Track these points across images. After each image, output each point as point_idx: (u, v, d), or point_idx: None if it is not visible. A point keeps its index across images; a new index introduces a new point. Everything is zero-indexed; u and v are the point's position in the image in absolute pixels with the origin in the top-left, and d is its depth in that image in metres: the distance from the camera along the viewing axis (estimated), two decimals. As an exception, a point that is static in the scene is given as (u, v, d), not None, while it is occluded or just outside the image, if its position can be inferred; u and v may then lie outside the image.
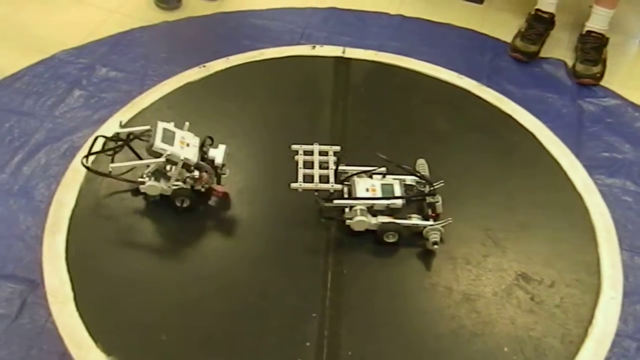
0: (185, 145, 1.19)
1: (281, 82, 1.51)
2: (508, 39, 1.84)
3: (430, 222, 1.15)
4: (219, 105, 1.44)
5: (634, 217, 1.47)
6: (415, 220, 1.15)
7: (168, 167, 1.21)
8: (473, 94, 1.49)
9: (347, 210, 1.16)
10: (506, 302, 1.10)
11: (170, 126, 1.21)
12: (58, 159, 1.63)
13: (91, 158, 1.26)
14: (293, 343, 1.04)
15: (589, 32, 1.75)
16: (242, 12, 1.94)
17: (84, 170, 1.27)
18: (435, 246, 1.13)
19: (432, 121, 1.43)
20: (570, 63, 1.81)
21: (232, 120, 1.41)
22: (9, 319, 1.34)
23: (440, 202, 1.17)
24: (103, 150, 1.26)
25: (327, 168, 1.19)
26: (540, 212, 1.24)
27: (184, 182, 1.21)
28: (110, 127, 1.37)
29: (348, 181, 1.18)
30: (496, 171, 1.32)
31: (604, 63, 1.78)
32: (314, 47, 1.60)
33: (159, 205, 1.23)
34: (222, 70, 1.50)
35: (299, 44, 1.74)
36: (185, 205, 1.22)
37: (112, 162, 1.22)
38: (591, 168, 1.54)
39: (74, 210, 1.21)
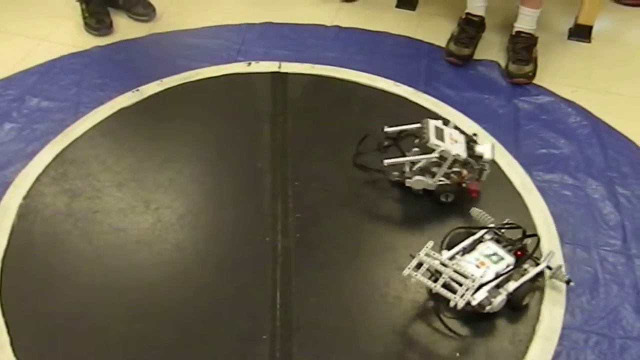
0: (454, 142, 1.25)
1: (218, 102, 1.49)
2: (442, 43, 1.87)
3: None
4: (154, 129, 1.41)
5: (573, 210, 1.50)
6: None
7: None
8: (410, 101, 1.51)
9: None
10: (456, 306, 1.10)
11: (440, 123, 1.28)
12: (-10, 196, 1.57)
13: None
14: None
15: (518, 32, 1.80)
16: (176, 32, 1.90)
17: (15, 208, 1.23)
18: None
19: (372, 131, 1.43)
20: (503, 64, 1.84)
21: (169, 143, 1.38)
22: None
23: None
24: (378, 148, 1.33)
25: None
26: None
27: (448, 177, 1.26)
28: (43, 160, 1.33)
29: None
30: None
31: (535, 62, 1.83)
32: (249, 63, 1.59)
33: (100, 232, 1.19)
34: (156, 94, 1.47)
35: (236, 61, 1.73)
36: (449, 200, 1.28)
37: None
38: (529, 165, 1.58)
39: (6, 251, 1.16)
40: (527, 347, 1.04)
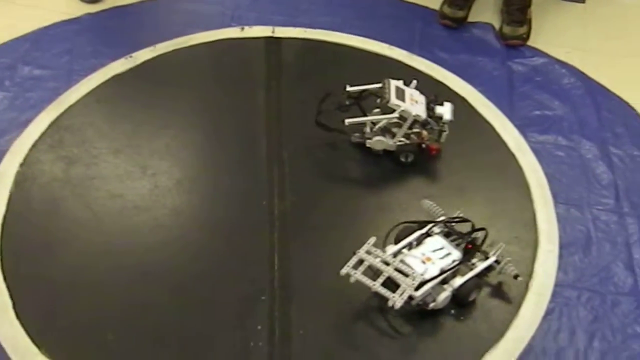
0: (414, 102, 1.23)
1: (212, 67, 1.49)
2: (437, 6, 1.86)
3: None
4: (149, 95, 1.41)
5: (567, 170, 1.51)
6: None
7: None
8: (404, 64, 1.51)
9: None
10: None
11: (400, 84, 1.25)
12: (-14, 165, 1.57)
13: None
14: (245, 328, 1.04)
15: (512, -6, 1.79)
16: (169, -2, 1.89)
17: (12, 175, 1.23)
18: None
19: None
20: (497, 26, 1.84)
21: (164, 109, 1.38)
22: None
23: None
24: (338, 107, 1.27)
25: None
26: (477, 175, 1.27)
27: (408, 138, 1.25)
28: (38, 127, 1.33)
29: None
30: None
31: (529, 23, 1.82)
32: (242, 28, 1.58)
33: (97, 197, 1.20)
34: (149, 60, 1.46)
35: (229, 26, 1.71)
36: (409, 160, 1.27)
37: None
38: (524, 127, 1.58)
39: (4, 217, 1.17)
40: (520, 303, 1.07)
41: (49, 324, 1.04)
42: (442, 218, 1.14)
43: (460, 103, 1.41)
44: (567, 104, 1.68)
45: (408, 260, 1.06)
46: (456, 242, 1.11)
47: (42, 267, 1.11)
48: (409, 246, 1.10)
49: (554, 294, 1.28)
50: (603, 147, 1.56)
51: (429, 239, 1.10)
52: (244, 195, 1.24)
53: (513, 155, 1.30)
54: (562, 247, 1.35)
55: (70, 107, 1.37)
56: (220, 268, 1.13)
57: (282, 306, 1.07)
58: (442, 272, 1.04)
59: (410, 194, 1.24)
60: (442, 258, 1.07)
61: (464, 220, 1.13)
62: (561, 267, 1.33)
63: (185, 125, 1.35)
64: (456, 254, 1.08)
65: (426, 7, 1.88)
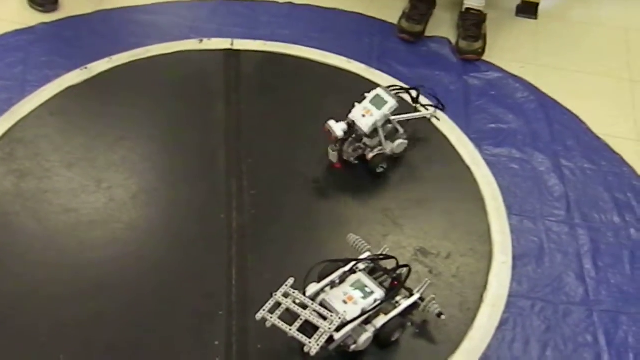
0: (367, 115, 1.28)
1: (170, 79, 1.47)
2: (395, 20, 1.88)
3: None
4: (104, 107, 1.39)
5: (521, 183, 1.55)
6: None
7: None
8: (363, 77, 1.52)
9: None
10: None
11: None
12: None
13: None
14: (202, 344, 1.03)
15: (468, 9, 1.83)
16: (126, 8, 1.86)
17: (-39, 188, 1.19)
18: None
19: (325, 107, 1.44)
20: (453, 40, 1.87)
21: (121, 122, 1.36)
22: None
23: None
24: None
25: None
26: (434, 188, 1.29)
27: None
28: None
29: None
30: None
31: (484, 38, 1.86)
32: (201, 40, 1.57)
33: (50, 212, 1.17)
34: (105, 71, 1.44)
35: (188, 38, 1.70)
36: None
37: None
38: (479, 140, 1.61)
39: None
40: (475, 315, 1.08)
41: (-2, 342, 1.01)
42: (367, 254, 1.10)
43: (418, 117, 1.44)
44: (521, 118, 1.72)
45: (329, 299, 1.01)
46: (380, 280, 1.07)
47: (-8, 284, 1.08)
48: (331, 284, 1.05)
49: (509, 305, 1.31)
50: (555, 160, 1.60)
51: (352, 277, 1.06)
52: (202, 208, 1.23)
53: (468, 168, 1.33)
54: (516, 258, 1.37)
55: (23, 119, 1.34)
56: (177, 282, 1.11)
57: (240, 321, 1.06)
58: (364, 312, 0.99)
59: (369, 208, 1.25)
60: (364, 297, 1.01)
61: (386, 257, 1.09)
62: (515, 278, 1.35)
63: (142, 137, 1.34)
64: (378, 293, 1.02)
65: (384, 21, 1.90)
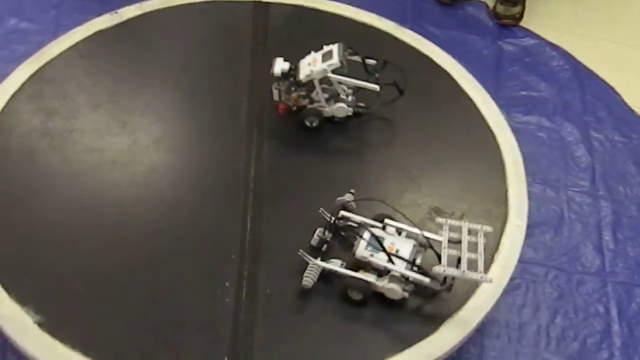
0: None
1: (198, 28, 1.48)
2: (432, -18, 1.85)
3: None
4: (133, 52, 1.40)
5: (547, 152, 1.53)
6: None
7: None
8: (391, 36, 1.50)
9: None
10: (419, 235, 1.13)
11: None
12: (-32, 115, 1.57)
13: None
14: (212, 284, 1.06)
15: (507, -27, 1.78)
16: (161, -43, 1.87)
17: (-10, 123, 1.24)
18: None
19: (351, 63, 1.43)
20: (491, 5, 1.83)
21: (147, 68, 1.38)
22: None
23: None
24: None
25: (475, 251, 1.00)
26: (454, 149, 1.28)
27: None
28: (18, 78, 1.32)
29: None
30: (412, 110, 1.34)
31: (523, 4, 1.82)
32: (232, -9, 1.56)
33: (75, 151, 1.21)
34: (135, 17, 1.45)
35: (220, -12, 1.70)
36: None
37: None
38: (508, 107, 1.59)
39: (-22, 163, 1.17)
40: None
41: (19, 272, 1.05)
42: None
43: (443, 77, 1.42)
44: (554, 86, 1.69)
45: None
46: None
47: (16, 217, 1.12)
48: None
49: (522, 271, 1.30)
50: (584, 131, 1.57)
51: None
52: (221, 156, 1.24)
53: (491, 132, 1.30)
54: (534, 225, 1.37)
55: (53, 59, 1.36)
56: (193, 225, 1.14)
57: (251, 265, 1.08)
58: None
59: (387, 164, 1.25)
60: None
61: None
62: (531, 245, 1.35)
63: (167, 84, 1.35)
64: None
65: (421, -18, 1.87)
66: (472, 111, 1.35)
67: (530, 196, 1.27)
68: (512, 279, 1.10)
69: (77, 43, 1.38)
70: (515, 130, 1.43)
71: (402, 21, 1.70)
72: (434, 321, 1.02)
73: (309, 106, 1.26)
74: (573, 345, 1.21)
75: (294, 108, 1.27)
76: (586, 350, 1.20)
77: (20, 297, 1.01)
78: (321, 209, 1.09)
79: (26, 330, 0.98)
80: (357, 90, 1.27)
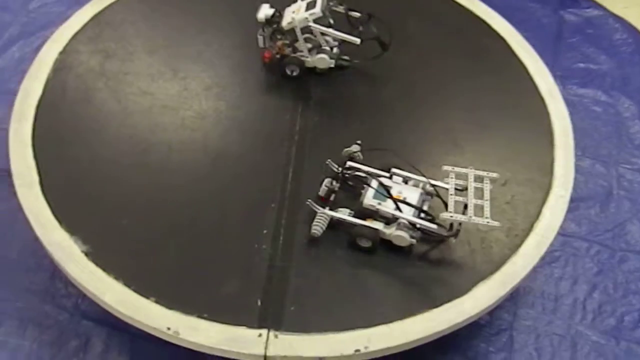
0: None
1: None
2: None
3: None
4: (190, 1, 1.43)
5: (600, 126, 1.48)
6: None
7: None
8: (454, 1, 1.47)
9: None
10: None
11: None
12: (31, 54, 1.63)
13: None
14: (251, 230, 1.08)
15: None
16: None
17: (51, 62, 1.28)
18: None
19: (404, 23, 1.41)
20: (555, -27, 1.77)
21: (204, 16, 1.40)
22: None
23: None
24: None
25: (482, 197, 1.02)
26: (502, 115, 1.26)
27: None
28: (80, 19, 1.37)
29: None
30: (463, 73, 1.32)
31: (590, -27, 1.75)
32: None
33: (129, 93, 1.25)
34: (194, -34, 1.47)
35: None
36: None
37: None
38: (565, 78, 1.55)
39: (40, 100, 1.22)
40: (522, 241, 1.07)
41: (70, 203, 1.10)
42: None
43: (497, 42, 1.39)
44: (614, 60, 1.63)
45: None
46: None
47: (70, 151, 1.17)
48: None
49: (563, 244, 1.28)
50: (642, 107, 1.52)
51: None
52: (267, 107, 1.26)
53: (543, 100, 1.27)
54: (579, 199, 1.34)
55: (113, 3, 1.40)
56: (236, 172, 1.16)
57: (290, 215, 1.11)
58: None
59: (431, 125, 1.24)
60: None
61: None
62: (575, 219, 1.32)
63: (221, 35, 1.37)
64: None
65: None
66: (525, 79, 1.32)
67: (579, 170, 1.24)
68: (552, 251, 1.09)
69: (138, -13, 1.42)
70: (569, 103, 1.39)
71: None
72: (470, 281, 1.02)
73: (292, 55, 1.27)
74: (609, 320, 1.19)
75: (278, 56, 1.28)
76: (622, 327, 1.18)
77: (70, 226, 1.06)
78: (329, 160, 1.10)
79: (73, 257, 1.03)
80: (342, 42, 1.27)
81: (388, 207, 1.02)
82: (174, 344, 0.98)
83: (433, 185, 1.06)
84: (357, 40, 1.23)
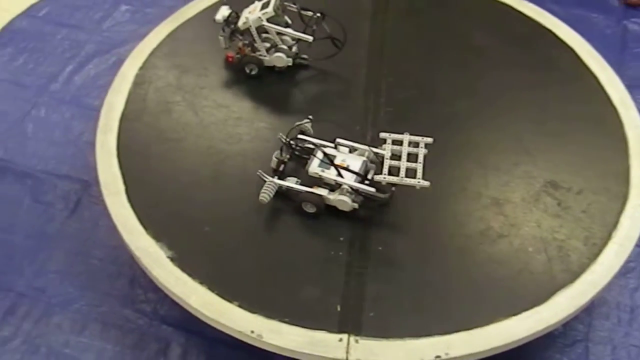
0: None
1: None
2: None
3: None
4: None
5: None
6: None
7: None
8: (514, 9, 1.48)
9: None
10: (533, 207, 1.13)
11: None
12: (107, 70, 1.71)
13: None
14: (328, 238, 1.11)
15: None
16: None
17: (132, 77, 1.34)
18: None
19: (471, 35, 1.43)
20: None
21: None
22: (67, 211, 1.45)
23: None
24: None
25: (416, 161, 1.08)
26: (574, 124, 1.26)
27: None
28: (157, 37, 1.43)
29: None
30: (532, 83, 1.33)
31: (653, -17, 1.73)
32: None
33: (205, 106, 1.29)
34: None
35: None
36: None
37: None
38: (632, 87, 1.52)
39: (123, 112, 1.28)
40: (600, 250, 1.07)
41: (154, 211, 1.15)
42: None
43: (566, 52, 1.39)
44: (683, 70, 1.61)
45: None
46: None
47: (153, 161, 1.22)
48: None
49: (639, 255, 1.26)
50: None
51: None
52: (338, 119, 1.28)
53: (615, 109, 1.27)
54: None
55: (186, 21, 1.46)
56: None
57: (366, 223, 1.13)
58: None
59: (502, 132, 1.25)
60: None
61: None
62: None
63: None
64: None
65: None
66: (596, 87, 1.31)
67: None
68: (627, 262, 1.08)
69: (210, 6, 1.47)
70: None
71: (522, -4, 1.68)
72: (548, 289, 1.02)
73: (251, 55, 1.31)
74: (687, 333, 1.16)
75: (238, 56, 1.33)
76: (701, 339, 1.16)
77: (156, 233, 1.11)
78: (280, 133, 1.16)
79: (160, 263, 1.08)
80: (298, 41, 1.31)
81: (331, 174, 1.09)
82: (247, 349, 1.00)
83: (376, 153, 1.12)
84: (310, 38, 1.28)
